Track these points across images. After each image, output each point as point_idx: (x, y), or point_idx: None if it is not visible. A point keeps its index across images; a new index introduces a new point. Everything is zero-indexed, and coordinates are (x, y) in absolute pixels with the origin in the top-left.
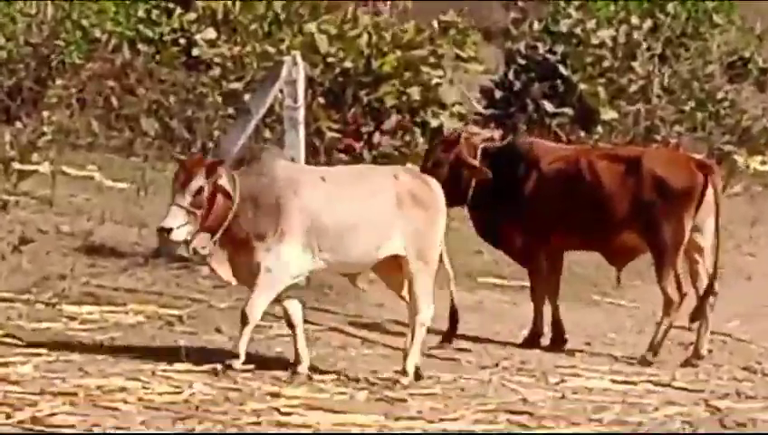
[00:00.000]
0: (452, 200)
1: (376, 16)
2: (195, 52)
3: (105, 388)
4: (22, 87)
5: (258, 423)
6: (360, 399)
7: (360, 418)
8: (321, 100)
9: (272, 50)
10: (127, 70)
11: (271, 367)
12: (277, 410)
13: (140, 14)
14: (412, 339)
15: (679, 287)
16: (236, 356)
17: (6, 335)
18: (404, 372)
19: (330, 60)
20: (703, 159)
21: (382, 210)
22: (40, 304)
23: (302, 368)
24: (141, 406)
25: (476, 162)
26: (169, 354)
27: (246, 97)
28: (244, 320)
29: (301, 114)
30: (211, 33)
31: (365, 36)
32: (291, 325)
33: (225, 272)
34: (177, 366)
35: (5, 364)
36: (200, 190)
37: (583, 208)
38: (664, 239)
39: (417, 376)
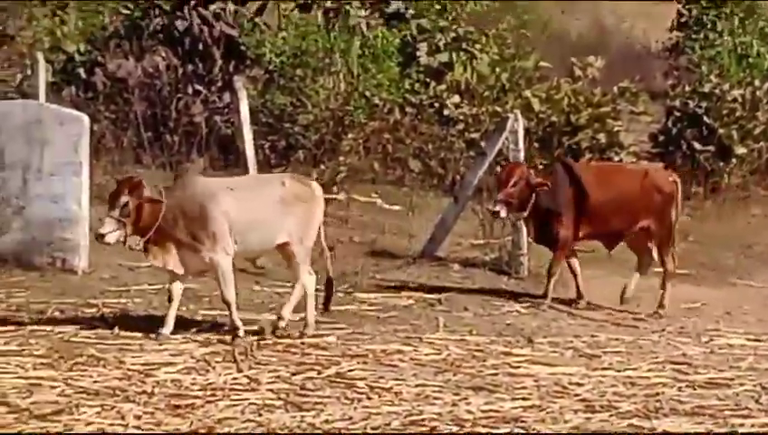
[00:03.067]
0: (521, 209)
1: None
2: (445, 112)
3: (387, 350)
4: (324, 140)
5: (495, 374)
6: (567, 355)
7: (568, 369)
8: (536, 144)
9: (499, 109)
10: (398, 126)
11: (503, 334)
12: (509, 364)
13: (406, 86)
14: (291, 295)
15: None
16: (237, 328)
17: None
18: (280, 318)
19: (540, 116)
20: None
21: (274, 210)
22: (339, 292)
23: (166, 330)
24: (413, 363)
25: (539, 179)
26: (431, 326)
27: (482, 143)
28: (227, 304)
29: (521, 155)
30: (456, 99)
31: (565, 99)
32: (170, 299)
33: (156, 261)
34: (438, 335)
35: (318, 335)
36: (126, 204)
37: (607, 211)
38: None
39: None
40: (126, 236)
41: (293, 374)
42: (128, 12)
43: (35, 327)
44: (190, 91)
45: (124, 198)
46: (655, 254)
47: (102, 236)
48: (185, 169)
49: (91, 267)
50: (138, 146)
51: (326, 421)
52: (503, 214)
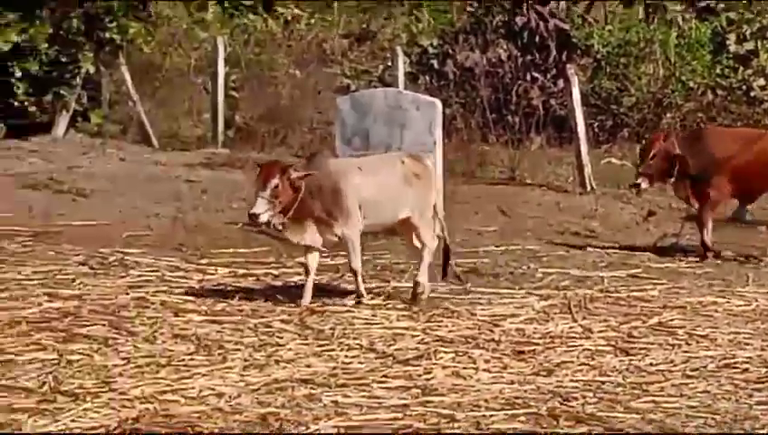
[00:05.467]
0: (667, 177)
1: None
2: (752, 93)
3: (703, 302)
4: (645, 118)
5: None
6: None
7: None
8: None
9: None
10: (710, 106)
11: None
12: None
13: (717, 71)
14: (421, 262)
15: None
16: (362, 295)
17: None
18: (417, 285)
19: None
20: None
21: (397, 186)
22: (656, 253)
23: (305, 301)
24: (726, 314)
25: (677, 151)
26: (742, 281)
27: None
28: (354, 273)
29: None
30: (762, 82)
31: None
32: (307, 272)
33: (295, 237)
34: (748, 288)
35: (642, 289)
36: (277, 186)
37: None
38: None
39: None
40: (274, 216)
41: (621, 324)
42: (473, 10)
43: (398, 284)
44: (528, 78)
45: (275, 181)
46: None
47: (256, 216)
48: (317, 153)
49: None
50: (483, 126)
51: (650, 364)
52: (644, 186)
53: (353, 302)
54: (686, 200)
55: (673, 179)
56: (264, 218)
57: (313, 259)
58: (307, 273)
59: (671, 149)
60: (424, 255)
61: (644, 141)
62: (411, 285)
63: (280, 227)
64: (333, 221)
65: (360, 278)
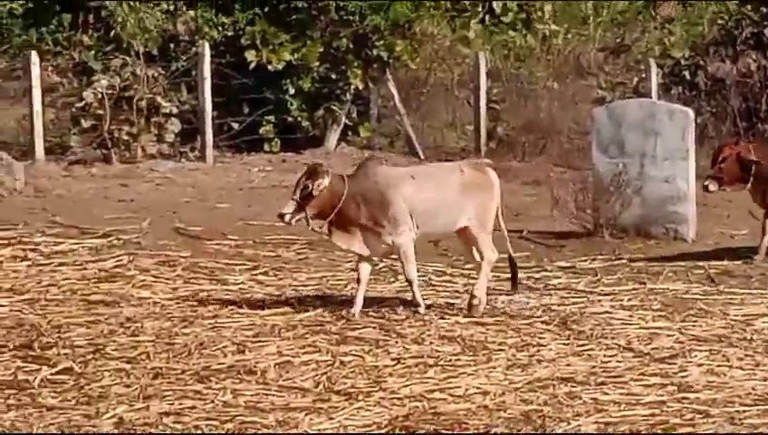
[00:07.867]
0: (739, 182)
1: None
2: None
3: None
4: None
5: None
6: None
7: None
8: None
9: None
10: None
11: None
12: None
13: None
14: (480, 274)
15: None
16: (419, 305)
17: None
18: (473, 297)
19: None
20: None
21: (454, 196)
22: None
23: (356, 309)
24: None
25: (752, 157)
26: None
27: None
28: (410, 283)
29: None
30: None
31: None
32: (359, 280)
33: (341, 242)
34: None
35: None
36: (306, 188)
37: None
38: None
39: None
40: (307, 219)
41: None
42: (723, 22)
43: (653, 286)
44: None
45: (304, 183)
46: None
47: (282, 215)
48: (368, 158)
49: (698, 236)
50: (734, 134)
51: None
52: (711, 188)
53: (412, 312)
54: (761, 206)
55: (749, 185)
56: (288, 219)
57: (365, 269)
58: (358, 282)
59: (745, 154)
60: (483, 267)
61: (716, 147)
62: (665, 286)
63: (320, 232)
64: (380, 229)
65: (415, 287)
